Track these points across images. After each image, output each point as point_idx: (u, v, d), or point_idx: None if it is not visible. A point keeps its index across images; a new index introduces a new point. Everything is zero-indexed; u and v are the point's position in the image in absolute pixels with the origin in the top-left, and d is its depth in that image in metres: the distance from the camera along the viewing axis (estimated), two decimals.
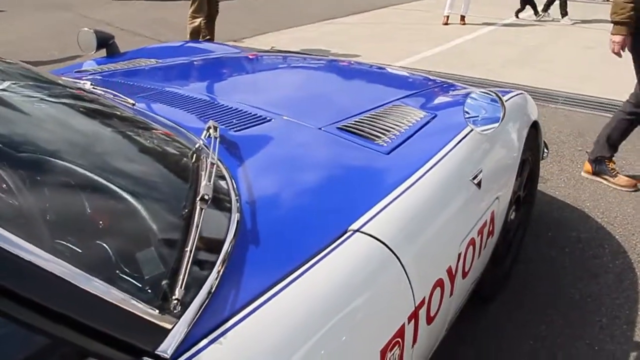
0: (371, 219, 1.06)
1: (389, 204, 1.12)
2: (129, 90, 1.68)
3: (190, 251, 0.81)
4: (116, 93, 1.52)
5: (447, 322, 1.39)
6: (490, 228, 1.53)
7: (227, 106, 1.52)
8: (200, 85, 1.83)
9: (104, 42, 2.36)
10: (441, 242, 1.22)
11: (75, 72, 2.11)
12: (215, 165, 1.01)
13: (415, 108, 1.66)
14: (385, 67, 2.52)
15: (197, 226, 0.85)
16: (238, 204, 1.02)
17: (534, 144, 2.08)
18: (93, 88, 1.56)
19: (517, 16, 8.42)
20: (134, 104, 1.46)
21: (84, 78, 1.87)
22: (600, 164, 3.03)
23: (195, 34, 5.34)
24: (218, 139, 1.15)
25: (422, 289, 1.13)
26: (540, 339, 1.92)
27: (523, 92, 2.08)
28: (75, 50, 2.37)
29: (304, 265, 0.91)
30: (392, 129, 1.46)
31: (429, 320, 1.18)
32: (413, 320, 1.09)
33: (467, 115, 1.43)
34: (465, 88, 2.25)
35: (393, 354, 1.02)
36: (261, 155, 1.26)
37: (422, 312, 1.13)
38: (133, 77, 1.94)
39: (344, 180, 1.20)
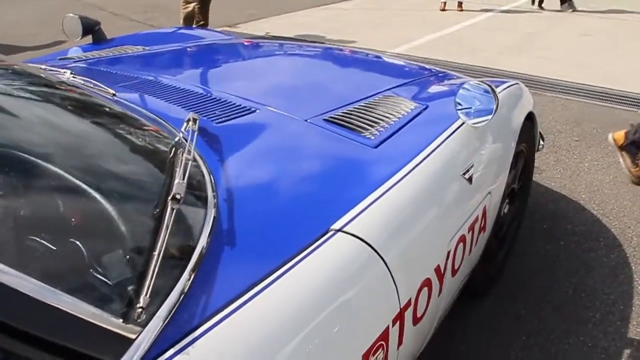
0: (354, 217, 1.01)
1: (374, 201, 1.07)
2: (112, 79, 1.63)
3: (159, 255, 0.76)
4: (96, 82, 1.47)
5: (436, 321, 1.35)
6: (482, 224, 1.49)
7: (212, 96, 1.47)
8: (185, 74, 1.77)
9: (90, 28, 2.29)
10: (429, 241, 1.18)
11: (59, 59, 2.05)
12: (191, 161, 0.96)
13: (407, 99, 1.61)
14: (380, 55, 2.46)
15: (167, 227, 0.81)
16: (215, 201, 0.98)
17: (529, 135, 2.03)
18: (73, 77, 1.50)
19: (539, 5, 8.12)
20: (114, 94, 1.40)
21: (67, 66, 1.81)
22: (634, 147, 2.87)
23: (188, 20, 5.25)
24: (197, 132, 1.10)
25: (408, 289, 1.09)
26: (533, 334, 1.89)
27: (518, 82, 2.02)
28: (65, 36, 2.32)
29: (281, 267, 0.87)
30: (381, 121, 1.41)
31: (416, 321, 1.14)
32: (398, 322, 1.05)
33: (459, 107, 1.38)
34: (460, 77, 2.19)
35: (376, 357, 0.99)
36: (243, 149, 1.21)
37: (408, 313, 1.09)
38: (117, 65, 1.88)
39: (328, 176, 1.15)
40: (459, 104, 1.38)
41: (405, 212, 1.12)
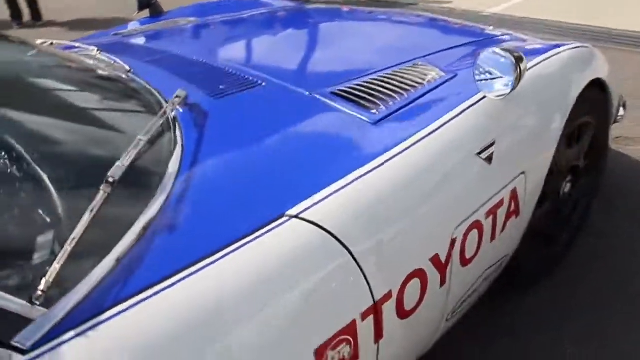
0: (316, 203, 0.93)
1: (346, 185, 0.98)
2: (139, 54, 1.65)
3: (74, 239, 0.75)
4: (115, 59, 1.50)
5: (447, 312, 1.24)
6: (512, 207, 1.33)
7: (224, 70, 1.44)
8: (213, 47, 1.74)
9: (147, 2, 2.36)
10: (421, 229, 1.06)
11: (113, 34, 2.13)
12: (144, 142, 0.94)
13: (438, 67, 1.46)
14: (437, 18, 2.27)
15: (92, 211, 0.79)
16: (173, 181, 0.95)
17: (598, 105, 1.78)
18: (99, 54, 1.55)
19: None
20: (129, 70, 1.42)
21: (103, 43, 1.87)
22: None
23: None
24: (172, 111, 1.07)
25: (387, 281, 1.00)
26: (589, 329, 1.68)
27: (588, 46, 1.76)
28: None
29: (216, 253, 0.82)
30: (394, 93, 1.29)
31: (403, 314, 1.05)
32: (372, 316, 0.97)
33: (479, 78, 1.22)
34: (525, 41, 1.96)
35: (339, 352, 0.92)
36: (228, 126, 1.16)
37: (389, 306, 1.01)
38: (156, 39, 1.91)
39: (306, 156, 1.07)
40: (480, 73, 1.22)
41: (385, 198, 1.01)
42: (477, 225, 1.20)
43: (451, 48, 1.69)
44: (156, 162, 1.00)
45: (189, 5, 2.54)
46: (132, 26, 2.29)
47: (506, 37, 1.98)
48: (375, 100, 1.25)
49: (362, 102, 1.25)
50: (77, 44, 1.71)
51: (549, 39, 4.02)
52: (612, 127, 2.69)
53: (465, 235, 1.17)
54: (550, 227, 1.78)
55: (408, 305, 1.06)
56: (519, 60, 1.19)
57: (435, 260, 1.09)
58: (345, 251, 0.92)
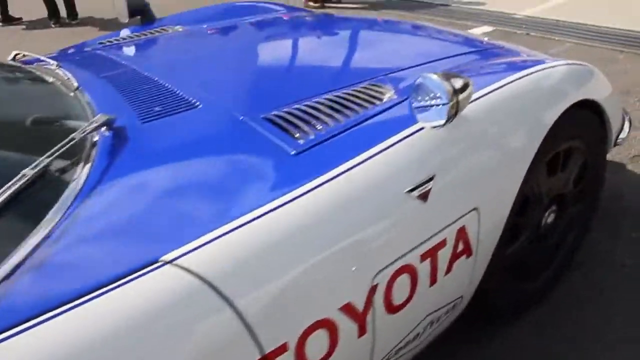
0: (196, 248, 0.86)
1: (237, 227, 0.90)
2: (101, 69, 1.62)
3: None
4: (69, 75, 1.48)
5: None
6: (461, 248, 1.21)
7: (170, 89, 1.37)
8: (174, 62, 1.67)
9: (137, 9, 2.33)
10: (326, 278, 0.96)
11: (99, 43, 2.11)
12: (26, 177, 0.90)
13: (393, 87, 1.35)
14: (424, 26, 2.13)
15: None
16: (59, 218, 0.89)
17: (589, 129, 1.62)
18: (57, 69, 1.54)
19: None
20: (76, 88, 1.39)
21: (86, 52, 1.86)
22: None
23: None
24: (94, 136, 1.04)
25: (280, 334, 0.91)
26: None
27: (583, 64, 1.60)
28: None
29: (77, 299, 0.77)
30: (329, 119, 1.19)
31: None
32: None
33: (416, 105, 1.11)
34: (515, 55, 1.82)
35: None
36: (142, 155, 1.10)
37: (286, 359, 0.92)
38: (127, 53, 1.88)
39: (207, 193, 0.98)
40: (418, 100, 1.11)
41: (282, 242, 0.91)
42: (408, 269, 1.10)
43: (427, 63, 1.56)
44: (47, 196, 0.95)
45: (182, 12, 2.50)
46: (123, 33, 2.28)
47: (497, 51, 1.84)
48: (304, 127, 1.16)
49: (290, 128, 1.16)
50: (42, 57, 1.70)
51: (581, 44, 3.78)
52: (629, 146, 2.51)
53: (391, 280, 1.07)
54: (528, 261, 1.64)
55: (313, 357, 0.97)
56: (462, 88, 1.07)
57: (347, 309, 1.00)
58: (224, 302, 0.84)
